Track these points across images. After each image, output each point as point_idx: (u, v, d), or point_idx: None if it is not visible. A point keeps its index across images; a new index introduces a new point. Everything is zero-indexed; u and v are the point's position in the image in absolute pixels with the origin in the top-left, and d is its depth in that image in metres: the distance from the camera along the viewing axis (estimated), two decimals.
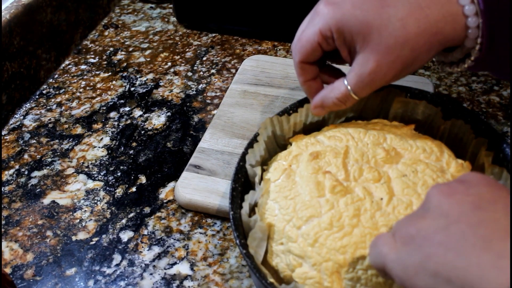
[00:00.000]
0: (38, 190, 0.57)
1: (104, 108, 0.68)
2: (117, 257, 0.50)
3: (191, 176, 0.55)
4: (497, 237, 0.27)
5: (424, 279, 0.29)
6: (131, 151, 0.62)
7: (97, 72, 0.75)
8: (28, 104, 0.70)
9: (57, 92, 0.72)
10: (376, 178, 0.42)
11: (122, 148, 0.62)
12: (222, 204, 0.52)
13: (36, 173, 0.59)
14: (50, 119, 0.67)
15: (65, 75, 0.75)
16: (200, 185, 0.54)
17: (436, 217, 0.30)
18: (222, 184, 0.54)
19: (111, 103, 0.69)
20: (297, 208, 0.41)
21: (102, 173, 0.59)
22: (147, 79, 0.73)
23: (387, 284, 0.38)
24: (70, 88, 0.72)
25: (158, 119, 0.66)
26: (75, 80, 0.74)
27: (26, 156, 0.62)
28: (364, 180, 0.42)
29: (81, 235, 0.52)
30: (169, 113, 0.67)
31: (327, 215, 0.40)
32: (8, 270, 0.49)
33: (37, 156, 0.62)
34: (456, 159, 0.44)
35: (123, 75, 0.74)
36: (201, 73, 0.73)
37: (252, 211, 0.44)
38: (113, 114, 0.67)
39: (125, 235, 0.52)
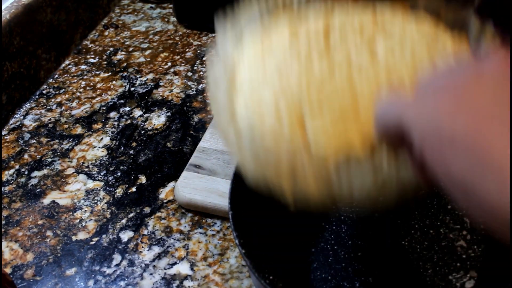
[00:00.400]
0: (38, 190, 0.57)
1: (104, 108, 0.68)
2: (117, 257, 0.50)
3: (191, 176, 0.55)
4: None
5: (462, 159, 0.19)
6: (131, 151, 0.62)
7: (97, 72, 0.75)
8: (28, 104, 0.70)
9: (57, 92, 0.72)
10: (359, 46, 0.39)
11: (122, 148, 0.62)
12: (222, 204, 0.52)
13: (36, 173, 0.59)
14: (50, 119, 0.67)
15: (65, 75, 0.75)
16: (200, 184, 0.54)
17: (485, 77, 0.21)
18: (222, 183, 0.54)
19: (111, 103, 0.69)
20: (267, 68, 0.38)
21: (102, 173, 0.59)
22: (147, 79, 0.73)
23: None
24: (70, 88, 0.72)
25: (158, 119, 0.66)
26: (75, 80, 0.74)
27: (26, 156, 0.62)
28: (345, 48, 0.39)
29: (81, 235, 0.52)
30: (169, 113, 0.67)
31: (297, 70, 0.37)
32: (8, 270, 0.49)
33: (37, 156, 0.62)
34: (454, 40, 0.39)
35: (123, 75, 0.74)
36: (201, 73, 0.73)
37: None
38: (113, 114, 0.67)
39: (125, 235, 0.52)
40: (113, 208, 0.55)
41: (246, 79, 0.39)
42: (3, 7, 0.68)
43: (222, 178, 0.55)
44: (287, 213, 0.48)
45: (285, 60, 0.38)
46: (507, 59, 0.21)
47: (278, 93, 0.37)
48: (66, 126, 0.66)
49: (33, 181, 0.58)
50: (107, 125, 0.65)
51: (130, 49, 0.79)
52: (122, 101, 0.69)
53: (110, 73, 0.75)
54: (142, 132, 0.64)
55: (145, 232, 0.52)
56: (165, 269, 0.49)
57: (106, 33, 0.83)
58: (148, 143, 0.63)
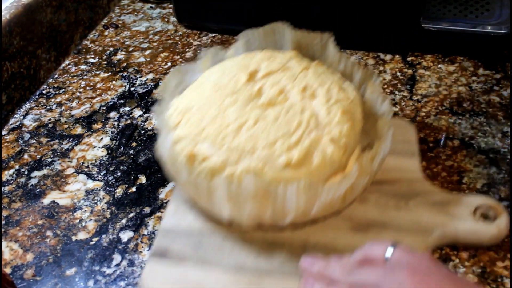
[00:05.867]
0: (38, 190, 0.57)
1: (104, 108, 0.68)
2: (117, 257, 0.50)
3: (157, 266, 0.47)
4: None
5: None
6: (131, 151, 0.62)
7: (97, 72, 0.75)
8: (28, 104, 0.70)
9: (57, 92, 0.72)
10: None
11: (122, 148, 0.62)
12: None
13: (36, 173, 0.59)
14: (50, 119, 0.67)
15: (65, 75, 0.75)
16: (171, 276, 0.46)
17: None
18: (195, 273, 0.46)
19: (111, 103, 0.69)
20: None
21: (102, 173, 0.59)
22: (147, 79, 0.73)
23: None
24: (70, 88, 0.72)
25: None
26: (75, 80, 0.74)
27: (26, 156, 0.62)
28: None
29: (81, 235, 0.52)
30: None
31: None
32: (8, 270, 0.49)
33: (37, 156, 0.62)
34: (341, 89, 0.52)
35: (123, 75, 0.74)
36: None
37: None
38: (113, 114, 0.67)
39: (125, 235, 0.52)
40: (113, 208, 0.55)
41: (184, 133, 0.48)
42: (3, 7, 0.68)
43: (194, 265, 0.47)
44: None
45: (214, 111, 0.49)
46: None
47: (213, 143, 0.47)
48: (66, 126, 0.66)
49: (33, 181, 0.58)
50: (107, 125, 0.65)
51: (130, 49, 0.79)
52: (122, 101, 0.69)
53: (110, 73, 0.75)
54: (142, 132, 0.64)
55: (145, 232, 0.52)
56: None
57: (106, 33, 0.83)
58: (148, 143, 0.63)
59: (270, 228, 0.48)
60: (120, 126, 0.65)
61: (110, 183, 0.58)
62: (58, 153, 0.62)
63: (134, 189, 0.57)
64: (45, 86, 0.73)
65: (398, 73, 0.71)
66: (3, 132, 0.65)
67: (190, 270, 0.46)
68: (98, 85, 0.72)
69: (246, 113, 0.47)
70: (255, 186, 0.43)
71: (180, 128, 0.49)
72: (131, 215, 0.54)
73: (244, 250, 0.48)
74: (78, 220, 0.54)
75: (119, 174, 0.59)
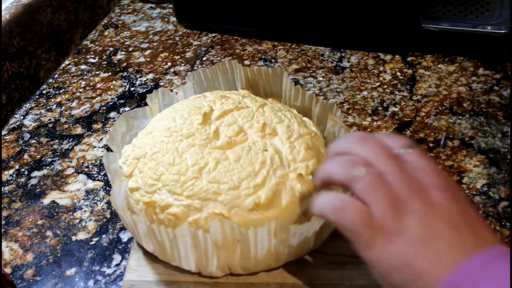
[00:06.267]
0: (38, 190, 0.57)
1: (104, 108, 0.68)
2: (117, 257, 0.50)
3: None
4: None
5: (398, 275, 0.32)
6: None
7: (97, 72, 0.75)
8: (28, 104, 0.70)
9: (57, 92, 0.72)
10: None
11: None
12: None
13: (36, 173, 0.59)
14: (50, 119, 0.67)
15: (65, 75, 0.75)
16: None
17: (419, 227, 0.33)
18: None
19: (111, 103, 0.69)
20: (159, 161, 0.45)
21: (102, 173, 0.59)
22: (147, 79, 0.73)
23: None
24: (70, 88, 0.72)
25: None
26: (75, 80, 0.74)
27: (26, 156, 0.62)
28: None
29: (81, 235, 0.52)
30: None
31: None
32: (8, 270, 0.49)
33: (37, 156, 0.62)
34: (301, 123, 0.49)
35: (123, 75, 0.74)
36: None
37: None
38: (113, 114, 0.67)
39: (125, 235, 0.52)
40: (113, 208, 0.55)
41: (140, 182, 0.45)
42: (3, 7, 0.68)
43: None
44: None
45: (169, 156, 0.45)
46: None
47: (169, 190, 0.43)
48: (66, 126, 0.66)
49: (33, 181, 0.58)
50: (107, 125, 0.65)
51: (130, 49, 0.79)
52: (122, 101, 0.69)
53: (110, 73, 0.75)
54: None
55: None
56: None
57: (106, 33, 0.83)
58: None
59: (243, 272, 0.45)
60: None
61: (110, 183, 0.58)
62: (58, 153, 0.62)
63: None
64: (45, 86, 0.73)
65: (398, 73, 0.71)
66: (3, 132, 0.65)
67: None
68: (98, 85, 0.72)
69: (205, 156, 0.44)
70: (222, 231, 0.40)
71: (134, 177, 0.46)
72: None
73: None
74: (78, 220, 0.54)
75: None
